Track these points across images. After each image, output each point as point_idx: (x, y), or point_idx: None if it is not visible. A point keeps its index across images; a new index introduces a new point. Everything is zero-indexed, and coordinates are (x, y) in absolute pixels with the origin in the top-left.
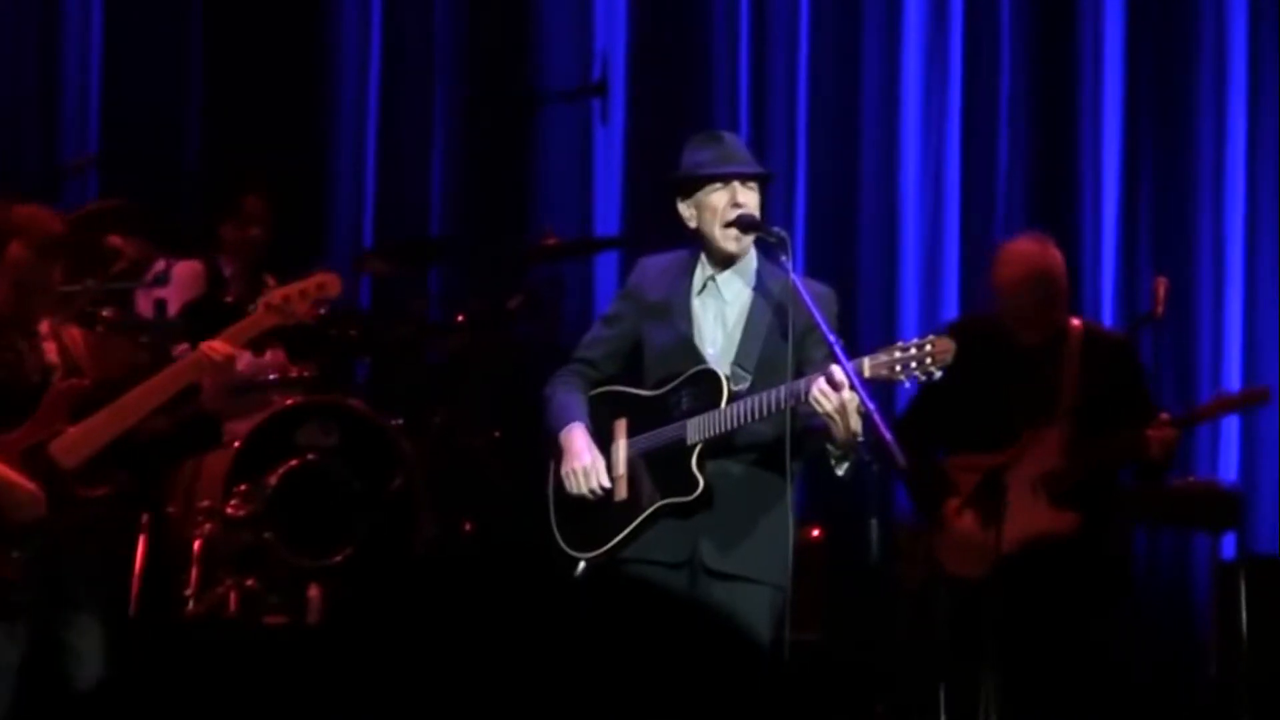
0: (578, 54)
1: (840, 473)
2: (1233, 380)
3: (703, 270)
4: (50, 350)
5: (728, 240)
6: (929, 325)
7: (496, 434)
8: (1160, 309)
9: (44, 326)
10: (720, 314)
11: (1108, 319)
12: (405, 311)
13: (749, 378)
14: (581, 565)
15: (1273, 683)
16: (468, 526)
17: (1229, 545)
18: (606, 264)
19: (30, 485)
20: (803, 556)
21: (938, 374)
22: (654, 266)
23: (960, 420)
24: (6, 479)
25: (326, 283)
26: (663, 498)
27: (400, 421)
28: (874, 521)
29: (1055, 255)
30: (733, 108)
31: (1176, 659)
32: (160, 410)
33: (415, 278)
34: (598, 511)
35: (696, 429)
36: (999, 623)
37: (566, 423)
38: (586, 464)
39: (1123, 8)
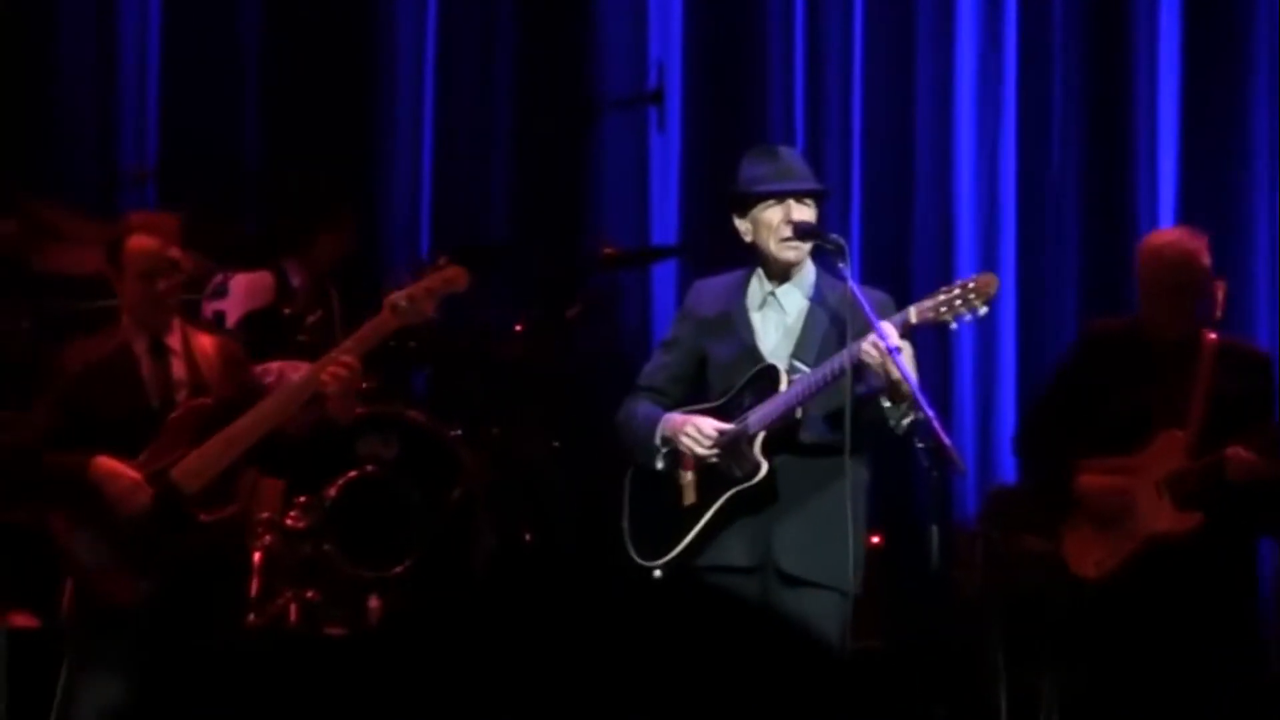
0: (634, 62)
1: (900, 430)
2: None
3: (760, 285)
4: (178, 367)
5: (785, 252)
6: (983, 336)
7: (555, 444)
8: (1219, 312)
9: (175, 340)
10: (781, 324)
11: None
12: (464, 321)
13: (808, 370)
14: (657, 573)
15: None
16: (528, 537)
17: None
18: (664, 273)
19: (133, 474)
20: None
21: (983, 310)
22: (708, 288)
23: (1092, 422)
24: (111, 469)
25: (454, 277)
26: (730, 487)
27: (459, 432)
28: (934, 528)
29: (1204, 250)
30: (788, 115)
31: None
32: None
33: (474, 287)
34: (669, 517)
35: (758, 419)
36: (1116, 623)
37: (656, 420)
38: (694, 420)
39: (1179, 13)
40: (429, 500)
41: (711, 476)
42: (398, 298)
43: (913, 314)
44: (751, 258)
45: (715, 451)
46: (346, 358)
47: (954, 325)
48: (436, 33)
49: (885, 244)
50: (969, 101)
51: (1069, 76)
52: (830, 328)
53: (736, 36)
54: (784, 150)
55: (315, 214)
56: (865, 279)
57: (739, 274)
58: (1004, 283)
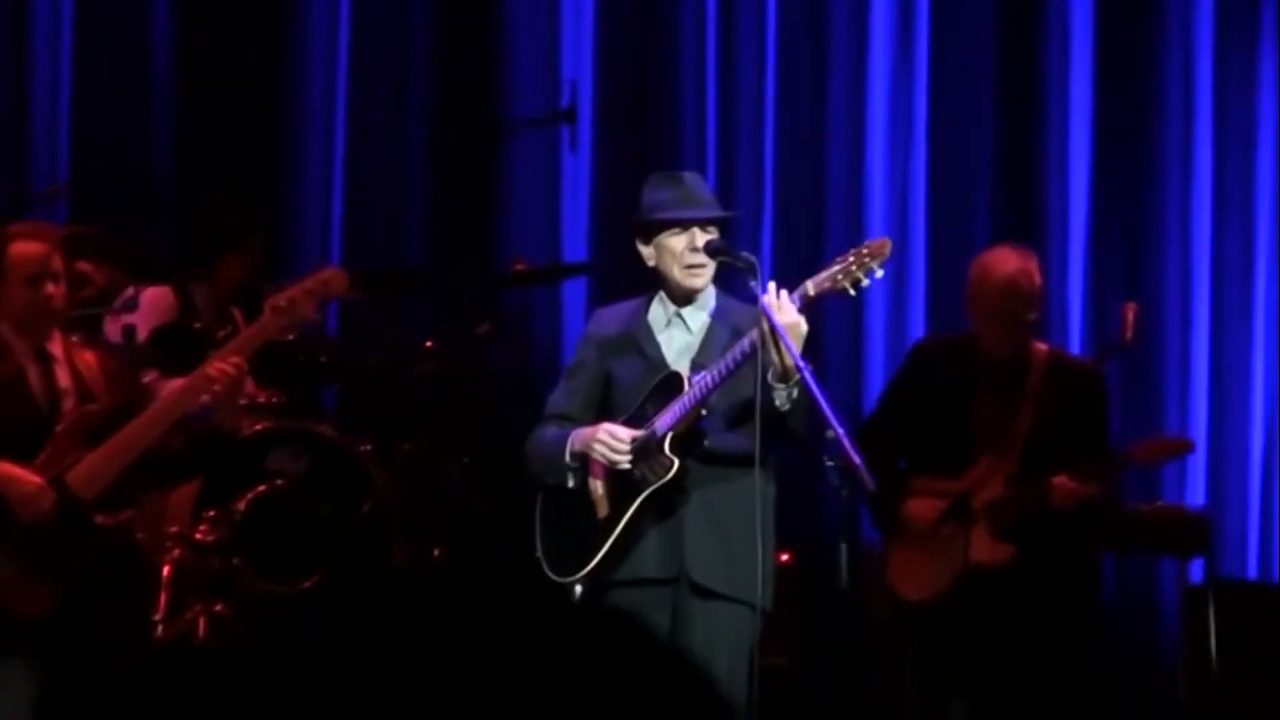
0: (547, 81)
1: (780, 402)
2: (1200, 402)
3: (664, 308)
4: (62, 375)
5: (689, 279)
6: (896, 353)
7: (466, 460)
8: (1130, 335)
9: (57, 348)
10: (685, 340)
11: (1075, 345)
12: (374, 337)
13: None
14: (578, 589)
15: (1242, 707)
16: (438, 553)
17: (1197, 570)
18: (575, 290)
19: (35, 479)
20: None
21: (879, 272)
22: (609, 313)
23: (922, 438)
24: (12, 474)
25: (331, 279)
26: (643, 489)
27: (370, 448)
28: (843, 546)
29: (1035, 268)
30: (700, 135)
31: (1146, 685)
32: (174, 430)
33: (384, 304)
34: (584, 532)
35: (665, 421)
36: (957, 651)
37: (565, 437)
38: (605, 427)
39: (1090, 33)
40: (339, 515)
41: (624, 485)
42: (277, 299)
43: (810, 286)
44: (654, 282)
45: (629, 457)
46: (233, 357)
47: (853, 292)
48: (349, 52)
49: (797, 263)
50: (881, 119)
51: (982, 93)
52: (731, 339)
53: (649, 55)
54: (688, 176)
55: (221, 239)
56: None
57: (639, 299)
58: (915, 298)
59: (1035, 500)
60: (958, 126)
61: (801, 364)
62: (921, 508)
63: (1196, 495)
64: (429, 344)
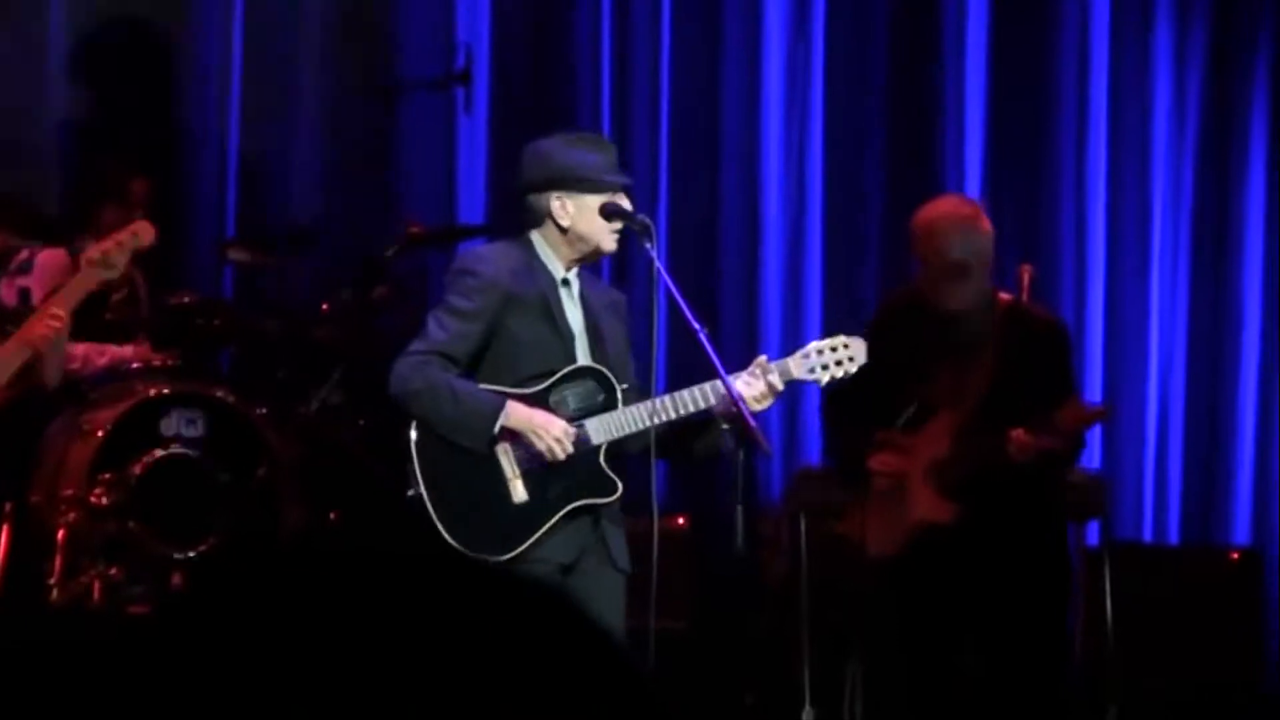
0: (441, 44)
1: (710, 448)
2: (1095, 367)
3: (554, 269)
4: None
5: (609, 243)
6: (791, 316)
7: (361, 423)
8: (1025, 296)
9: None
10: (576, 314)
11: None
12: (269, 301)
13: (615, 377)
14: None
15: (1137, 668)
16: (333, 516)
17: (1093, 532)
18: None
19: None
20: (668, 545)
21: (853, 370)
22: (504, 259)
23: (884, 396)
24: None
25: (139, 230)
26: (580, 498)
27: (265, 411)
28: (739, 510)
29: (981, 216)
30: (595, 98)
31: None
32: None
33: (279, 267)
34: (496, 511)
35: (600, 433)
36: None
37: (494, 405)
38: (566, 426)
39: (986, 2)
40: (235, 478)
41: (542, 474)
42: (91, 253)
43: (792, 369)
44: (541, 232)
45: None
46: (56, 310)
47: (821, 384)
48: (244, 13)
49: (692, 226)
50: (777, 80)
51: (877, 58)
52: (612, 320)
53: (544, 18)
54: (609, 141)
55: (98, 186)
56: (671, 263)
57: (525, 248)
58: (811, 259)
59: (982, 457)
60: (853, 89)
61: (698, 328)
62: (885, 460)
63: (1092, 458)
64: (325, 308)
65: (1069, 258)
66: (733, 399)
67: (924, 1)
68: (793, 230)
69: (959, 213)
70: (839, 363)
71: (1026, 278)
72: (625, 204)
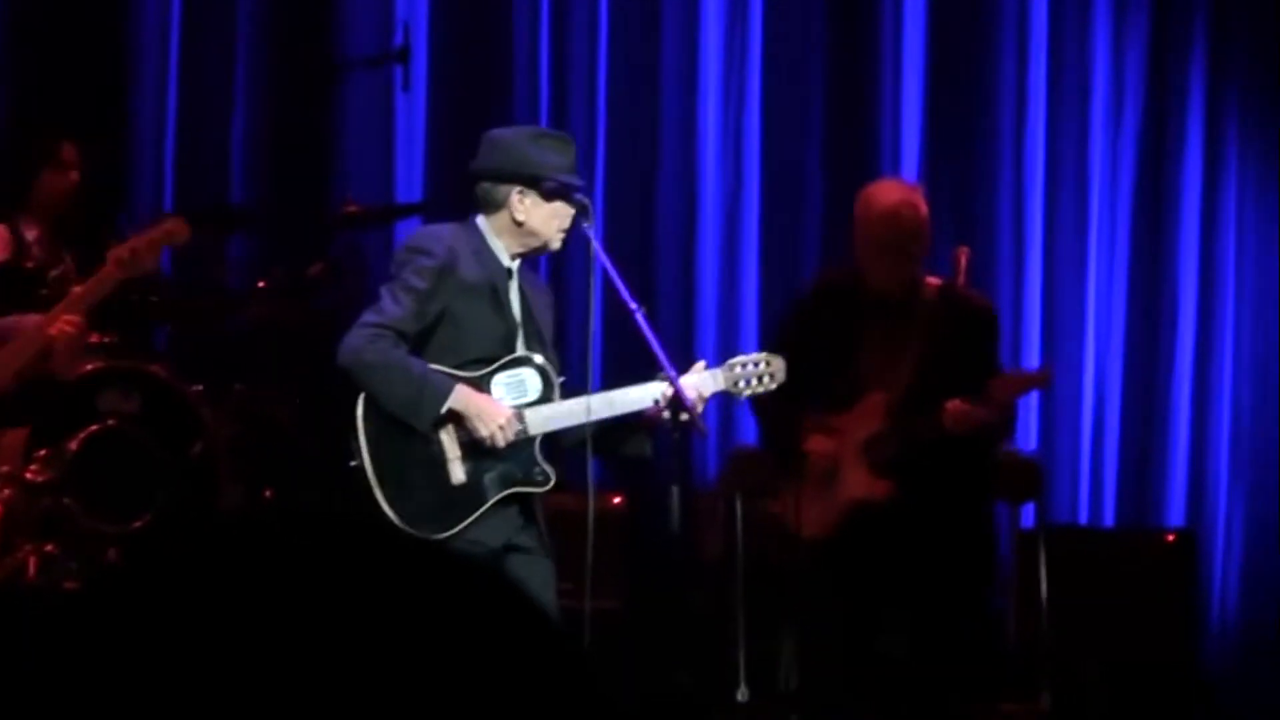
0: (380, 21)
1: (641, 449)
2: (1032, 350)
3: (503, 257)
4: None
5: (558, 242)
6: (728, 299)
7: (297, 401)
8: (962, 279)
9: None
10: (517, 305)
11: None
12: (206, 278)
13: (555, 370)
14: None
15: (1072, 650)
16: (269, 493)
17: (1028, 514)
18: (407, 231)
19: None
20: (603, 525)
21: (773, 387)
22: (457, 243)
23: (814, 375)
24: None
25: (175, 230)
26: (514, 485)
27: (201, 388)
28: (675, 490)
29: (920, 200)
30: (533, 76)
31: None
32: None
33: (216, 244)
34: (435, 490)
35: (539, 424)
36: (838, 585)
37: (444, 387)
38: (510, 415)
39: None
40: (170, 455)
41: (481, 458)
42: (120, 251)
43: (721, 379)
44: (491, 219)
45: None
46: (72, 315)
47: (742, 399)
48: None
49: (629, 208)
50: (715, 64)
51: (813, 39)
52: (548, 318)
53: None
54: (572, 141)
55: (32, 152)
56: (609, 244)
57: (474, 234)
58: (748, 245)
59: (914, 435)
60: (790, 72)
61: (635, 307)
62: (819, 443)
63: (1028, 440)
64: (261, 285)
65: (1007, 241)
66: (669, 378)
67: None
68: (729, 212)
69: (897, 194)
70: (760, 379)
71: (964, 260)
72: (585, 202)
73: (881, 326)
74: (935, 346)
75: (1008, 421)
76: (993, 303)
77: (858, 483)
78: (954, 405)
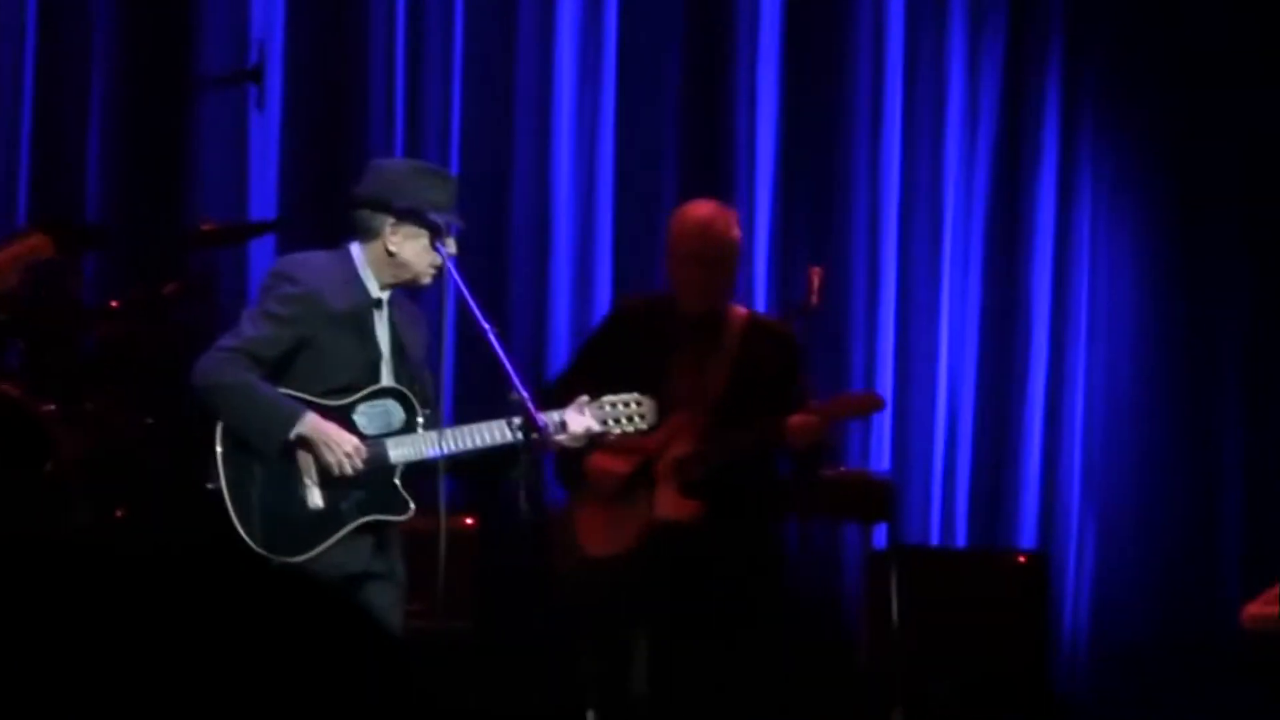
0: (235, 39)
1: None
2: (886, 371)
3: (371, 287)
4: None
5: (427, 278)
6: (581, 317)
7: (150, 420)
8: (815, 299)
9: None
10: (385, 336)
11: (760, 309)
12: (59, 295)
13: (417, 401)
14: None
15: (923, 672)
16: (120, 513)
17: (880, 535)
18: (262, 249)
19: None
20: (455, 545)
21: (644, 428)
22: (325, 272)
23: (618, 390)
24: None
25: (38, 246)
26: (372, 513)
27: (53, 407)
28: (525, 508)
29: (732, 222)
30: (389, 94)
31: (828, 649)
32: None
33: (71, 260)
34: (292, 514)
35: (399, 456)
36: (639, 607)
37: (294, 413)
38: (357, 444)
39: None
40: (20, 474)
41: (339, 485)
42: None
43: (590, 416)
44: (365, 248)
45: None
46: None
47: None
48: (37, 4)
49: (482, 230)
50: (569, 86)
51: (669, 58)
52: (419, 345)
53: (338, 15)
54: (453, 179)
55: None
56: (460, 261)
57: (340, 262)
58: (601, 265)
59: (723, 457)
60: (644, 95)
61: (487, 327)
62: (610, 463)
63: (881, 461)
64: (115, 303)
65: (861, 261)
66: (520, 398)
67: (718, 2)
68: (582, 234)
69: (711, 210)
70: (630, 418)
71: (817, 280)
72: (451, 246)
73: (689, 348)
74: (742, 371)
75: (828, 445)
76: (795, 330)
77: (667, 502)
78: (798, 419)
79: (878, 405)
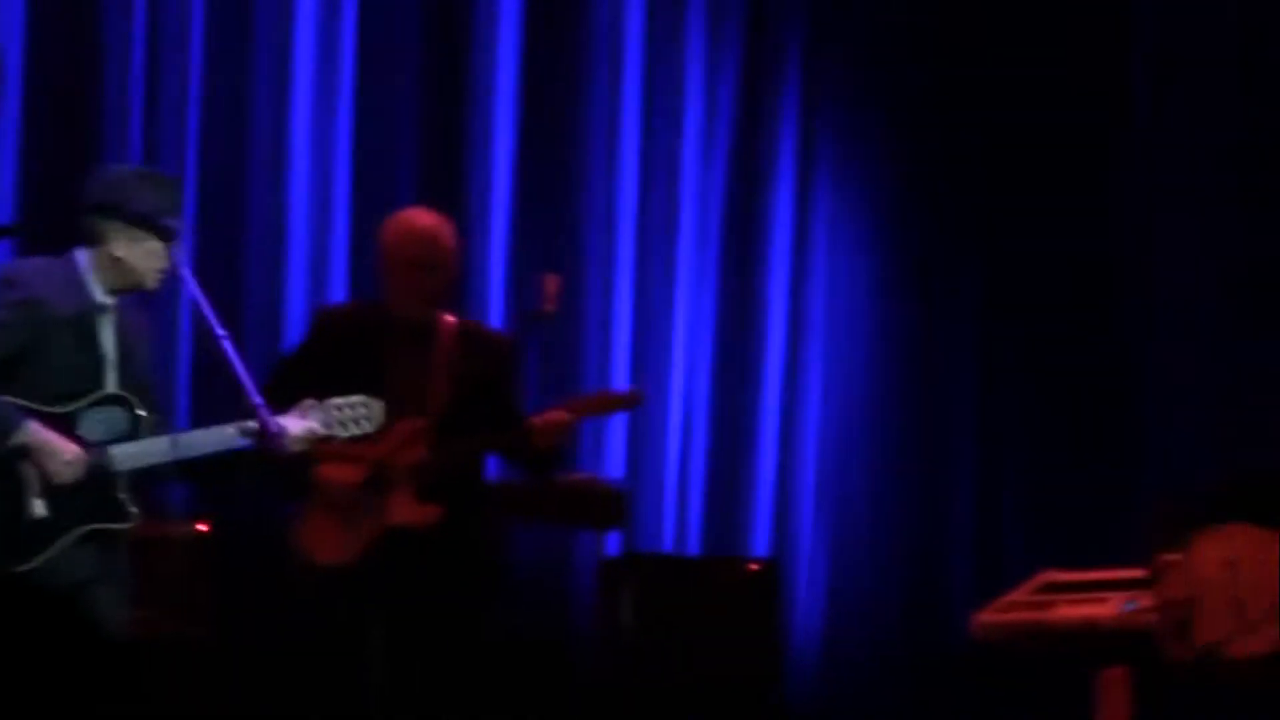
0: None
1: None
2: (621, 378)
3: (95, 292)
4: None
5: (153, 283)
6: None
7: None
8: (550, 306)
9: None
10: (110, 342)
11: (496, 317)
12: None
13: (144, 407)
14: None
15: (655, 678)
16: None
17: (614, 542)
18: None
19: None
20: (189, 551)
21: (370, 430)
22: (48, 277)
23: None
24: None
25: None
26: (93, 522)
27: None
28: (260, 510)
29: (443, 228)
30: (124, 97)
31: (559, 656)
32: None
33: None
34: (13, 523)
35: (123, 458)
36: (374, 613)
37: (14, 422)
38: (77, 452)
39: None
40: None
41: (62, 493)
42: None
43: (317, 420)
44: (91, 253)
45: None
46: None
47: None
48: None
49: (216, 230)
50: (305, 87)
51: (408, 55)
52: (144, 352)
53: (78, 17)
54: (178, 183)
55: None
56: (199, 267)
57: (69, 268)
58: (336, 273)
59: (456, 462)
60: (382, 92)
61: (221, 334)
62: (339, 473)
63: (616, 468)
64: None
65: (595, 267)
66: (254, 405)
67: (454, 9)
68: (318, 239)
69: (431, 218)
70: (356, 421)
71: (552, 287)
72: (179, 251)
73: (404, 355)
74: (461, 376)
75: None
76: (513, 337)
77: (403, 508)
78: (545, 417)
79: (638, 400)
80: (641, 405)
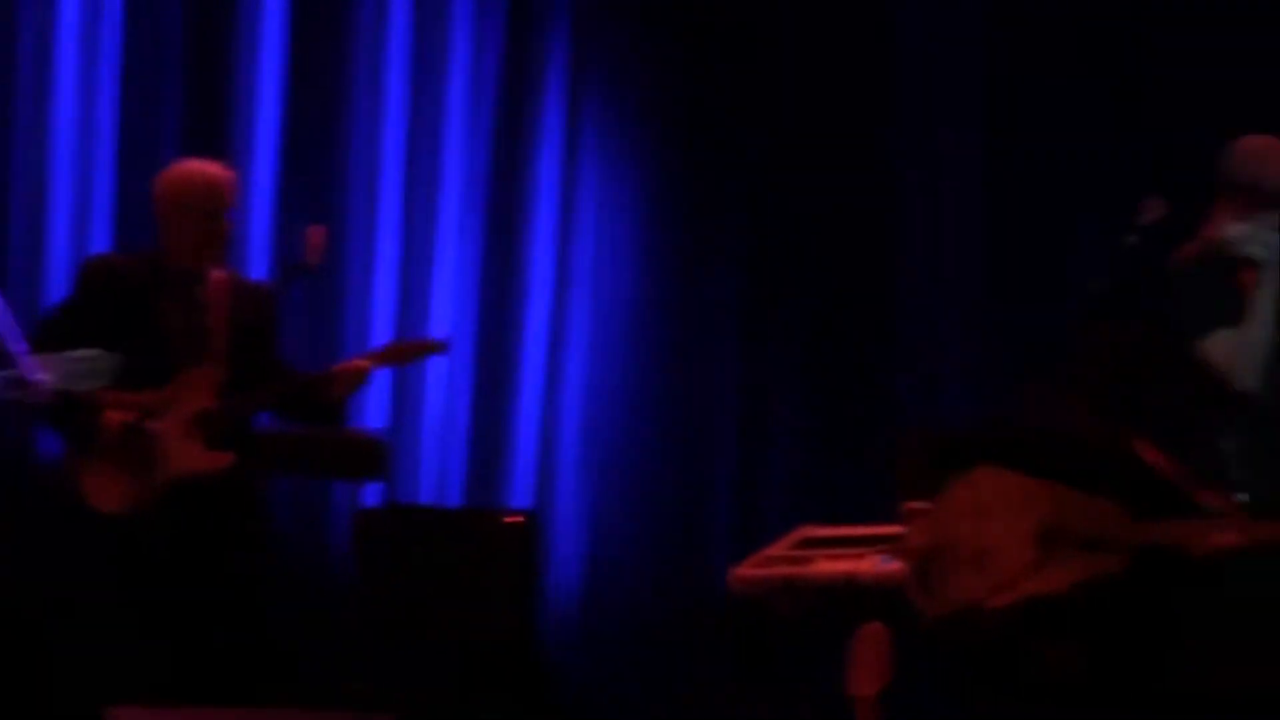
0: None
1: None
2: (384, 331)
3: None
4: None
5: None
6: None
7: None
8: (314, 258)
9: None
10: None
11: (261, 269)
12: None
13: None
14: None
15: (413, 631)
16: None
17: (373, 493)
18: None
19: None
20: None
21: (104, 383)
22: None
23: (109, 344)
24: None
25: None
26: None
27: None
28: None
29: (221, 178)
30: None
31: (316, 607)
32: None
33: None
34: None
35: None
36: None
37: None
38: None
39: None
40: None
41: None
42: None
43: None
44: None
45: None
46: None
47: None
48: None
49: None
50: (70, 38)
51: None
52: None
53: None
54: None
55: None
56: None
57: None
58: (99, 222)
59: (250, 410)
60: (147, 45)
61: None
62: (116, 420)
63: (378, 419)
64: None
65: (360, 219)
66: (12, 351)
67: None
68: (81, 189)
69: (218, 172)
70: (92, 374)
71: (317, 239)
72: None
73: (178, 305)
74: (238, 325)
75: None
76: (274, 288)
77: (191, 456)
78: (349, 365)
79: (440, 347)
80: (447, 353)
